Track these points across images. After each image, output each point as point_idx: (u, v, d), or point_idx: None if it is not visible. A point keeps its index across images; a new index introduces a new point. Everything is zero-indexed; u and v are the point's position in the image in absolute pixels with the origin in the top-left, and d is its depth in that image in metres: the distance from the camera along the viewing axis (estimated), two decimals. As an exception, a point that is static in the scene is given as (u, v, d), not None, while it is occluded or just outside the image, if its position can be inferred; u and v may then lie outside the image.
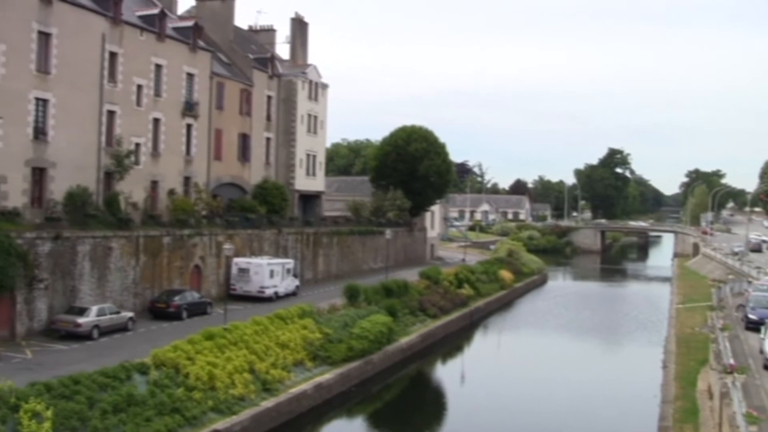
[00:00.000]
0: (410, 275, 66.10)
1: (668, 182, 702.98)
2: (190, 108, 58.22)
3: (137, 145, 52.74)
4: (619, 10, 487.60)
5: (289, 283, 58.09)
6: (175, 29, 57.77)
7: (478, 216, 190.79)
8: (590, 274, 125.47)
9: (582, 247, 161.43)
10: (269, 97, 71.70)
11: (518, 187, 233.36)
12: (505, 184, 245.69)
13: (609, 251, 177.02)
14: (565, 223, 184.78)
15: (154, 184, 54.77)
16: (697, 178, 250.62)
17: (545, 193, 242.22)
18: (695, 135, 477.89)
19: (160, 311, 46.36)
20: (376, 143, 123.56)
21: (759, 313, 46.54)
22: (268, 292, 55.00)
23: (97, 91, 48.81)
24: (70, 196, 45.14)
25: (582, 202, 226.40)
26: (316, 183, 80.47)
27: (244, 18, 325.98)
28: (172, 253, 50.27)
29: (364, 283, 56.48)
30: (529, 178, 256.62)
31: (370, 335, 44.58)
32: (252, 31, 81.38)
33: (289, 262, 59.33)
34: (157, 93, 54.75)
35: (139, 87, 52.79)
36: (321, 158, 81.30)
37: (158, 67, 54.73)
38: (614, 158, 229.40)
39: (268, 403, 33.74)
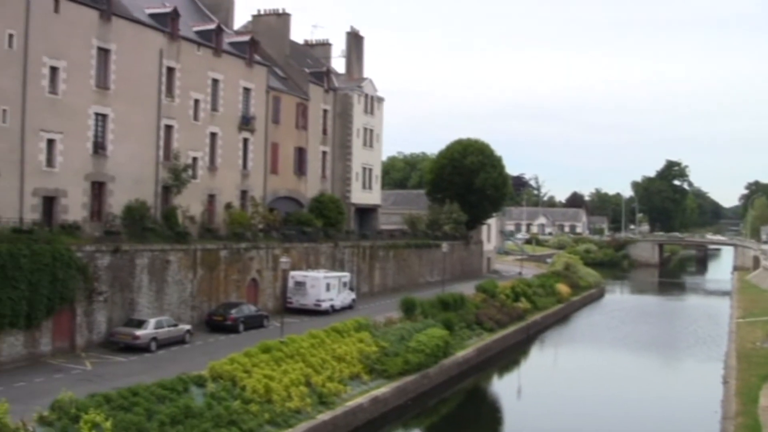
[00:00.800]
0: (466, 288, 65.61)
1: (727, 194, 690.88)
2: (246, 122, 58.63)
3: (194, 159, 53.26)
4: (677, 19, 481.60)
5: (345, 297, 58.05)
6: (232, 44, 58.28)
7: (534, 229, 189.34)
8: (648, 288, 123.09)
9: (639, 261, 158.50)
10: (325, 111, 71.91)
11: (575, 200, 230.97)
12: (561, 197, 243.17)
13: (667, 264, 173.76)
14: (622, 236, 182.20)
15: (211, 198, 55.20)
16: (757, 190, 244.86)
17: (602, 206, 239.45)
18: (755, 146, 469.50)
19: (217, 324, 46.58)
20: (432, 156, 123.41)
21: None
22: (325, 305, 54.95)
23: (155, 105, 49.47)
24: (128, 209, 45.78)
25: (639, 215, 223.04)
26: (373, 196, 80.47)
27: (299, 32, 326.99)
28: (229, 266, 50.55)
29: (420, 296, 55.97)
30: (586, 191, 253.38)
31: (426, 349, 44.13)
32: (308, 45, 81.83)
33: (346, 276, 59.32)
34: (214, 107, 55.28)
35: (197, 101, 53.36)
36: (377, 171, 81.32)
37: (215, 81, 55.28)
38: (672, 170, 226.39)
39: (325, 416, 33.56)
